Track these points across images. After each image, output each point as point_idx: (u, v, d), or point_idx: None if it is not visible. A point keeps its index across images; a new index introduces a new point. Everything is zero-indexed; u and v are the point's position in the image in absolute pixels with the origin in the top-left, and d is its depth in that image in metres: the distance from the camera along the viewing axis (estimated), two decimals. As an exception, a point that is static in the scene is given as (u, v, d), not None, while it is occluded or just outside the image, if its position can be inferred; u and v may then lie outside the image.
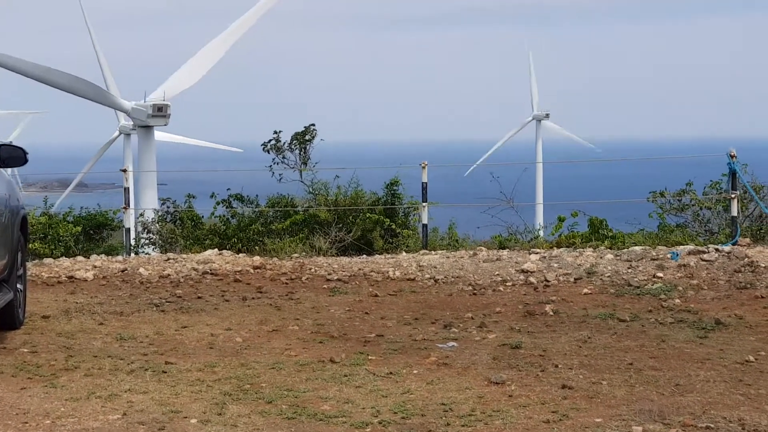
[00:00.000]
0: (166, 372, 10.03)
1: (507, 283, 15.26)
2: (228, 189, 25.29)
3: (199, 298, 14.54)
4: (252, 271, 16.60)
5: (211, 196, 25.13)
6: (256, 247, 22.30)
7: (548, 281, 15.25)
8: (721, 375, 9.70)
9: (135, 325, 12.65)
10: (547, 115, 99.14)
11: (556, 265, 16.04)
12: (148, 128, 47.13)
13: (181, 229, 23.76)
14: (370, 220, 22.02)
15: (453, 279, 15.63)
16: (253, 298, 14.40)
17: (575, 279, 15.34)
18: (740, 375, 9.70)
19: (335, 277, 15.96)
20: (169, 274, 16.41)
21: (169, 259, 17.53)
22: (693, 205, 23.04)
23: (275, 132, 26.57)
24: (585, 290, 14.55)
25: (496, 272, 15.84)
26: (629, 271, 15.52)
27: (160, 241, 23.59)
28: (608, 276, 15.36)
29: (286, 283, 15.67)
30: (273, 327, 12.39)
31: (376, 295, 14.58)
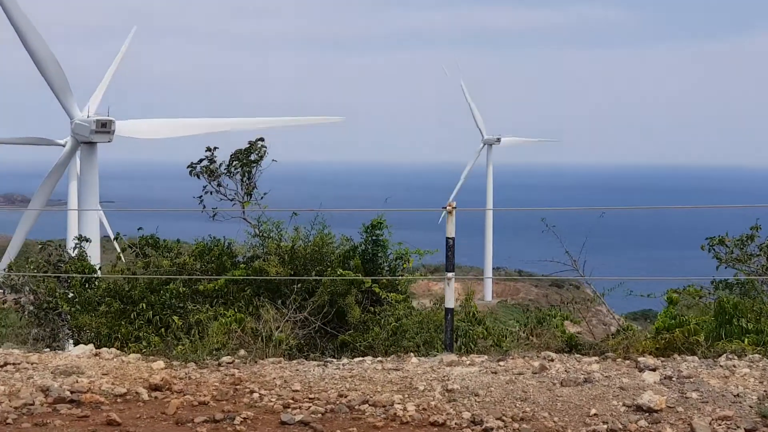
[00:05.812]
0: None
1: (622, 439, 8.09)
2: (139, 228, 17.90)
3: (22, 480, 7.18)
4: (147, 396, 9.24)
5: (115, 238, 17.72)
6: (174, 318, 14.98)
7: (699, 436, 8.11)
8: None
9: None
10: (498, 139, 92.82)
11: (695, 394, 8.89)
12: (91, 145, 43.41)
13: (67, 288, 16.35)
14: (343, 280, 14.86)
15: (516, 427, 8.41)
16: (130, 486, 7.04)
17: (747, 430, 8.23)
18: None
19: (297, 415, 8.67)
20: (-5, 401, 9.04)
21: (6, 364, 10.13)
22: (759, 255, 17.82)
23: (208, 149, 18.97)
24: (793, 468, 7.41)
25: (592, 410, 8.65)
26: (842, 414, 8.43)
27: (32, 308, 16.11)
28: (807, 425, 8.27)
29: (205, 433, 8.33)
30: None
31: (382, 476, 7.30)
